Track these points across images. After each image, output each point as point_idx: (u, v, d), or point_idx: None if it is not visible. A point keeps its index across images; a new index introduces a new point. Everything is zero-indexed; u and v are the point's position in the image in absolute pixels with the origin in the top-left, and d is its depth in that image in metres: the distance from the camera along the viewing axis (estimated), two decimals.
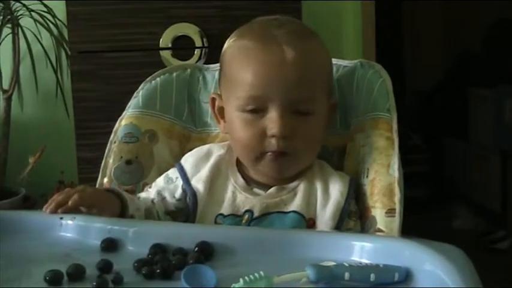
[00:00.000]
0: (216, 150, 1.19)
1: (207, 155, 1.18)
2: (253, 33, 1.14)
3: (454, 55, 4.84)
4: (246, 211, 1.11)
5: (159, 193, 1.16)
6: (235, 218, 1.10)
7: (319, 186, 1.14)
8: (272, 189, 1.13)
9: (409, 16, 5.16)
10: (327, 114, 1.16)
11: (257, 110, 1.09)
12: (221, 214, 1.12)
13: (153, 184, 1.19)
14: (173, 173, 1.19)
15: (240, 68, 1.12)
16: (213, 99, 1.21)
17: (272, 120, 1.08)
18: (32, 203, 2.49)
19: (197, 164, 1.17)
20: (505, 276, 3.10)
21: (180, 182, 1.16)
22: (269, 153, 1.09)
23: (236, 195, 1.13)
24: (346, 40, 2.70)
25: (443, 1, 5.04)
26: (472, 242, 3.54)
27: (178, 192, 1.16)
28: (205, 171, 1.16)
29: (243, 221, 1.10)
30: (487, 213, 3.92)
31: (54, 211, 1.02)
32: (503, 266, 3.25)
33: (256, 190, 1.14)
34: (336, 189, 1.13)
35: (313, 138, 1.12)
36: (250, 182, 1.15)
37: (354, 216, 1.14)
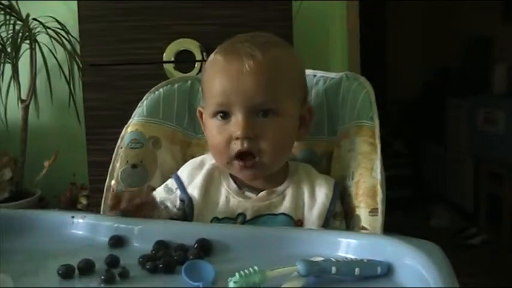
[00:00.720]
0: (209, 160, 1.18)
1: (201, 164, 1.18)
2: (221, 48, 1.13)
3: (433, 68, 4.86)
4: (239, 214, 1.10)
5: (162, 203, 1.15)
6: (229, 221, 1.09)
7: (306, 189, 1.13)
8: (262, 193, 1.12)
9: (392, 32, 5.19)
10: (299, 117, 1.14)
11: (225, 116, 1.09)
12: (216, 217, 1.11)
13: (155, 193, 1.17)
14: (172, 183, 1.17)
15: (209, 79, 1.13)
16: (200, 112, 1.21)
17: (236, 124, 1.07)
18: (46, 203, 2.49)
19: (192, 173, 1.16)
20: (477, 269, 3.10)
21: (178, 192, 1.15)
22: (236, 156, 1.08)
23: (229, 199, 1.11)
24: (333, 54, 2.71)
25: (424, 20, 5.07)
26: (448, 238, 3.55)
27: (178, 202, 1.15)
28: (199, 178, 1.15)
29: (237, 223, 1.09)
30: (461, 212, 3.93)
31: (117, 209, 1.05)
32: (476, 260, 3.26)
33: (247, 194, 1.12)
34: (322, 192, 1.12)
35: (279, 138, 1.09)
36: (241, 186, 1.14)
37: (339, 217, 1.13)
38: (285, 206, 1.11)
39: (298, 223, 1.10)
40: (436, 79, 4.76)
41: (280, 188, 1.13)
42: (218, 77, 1.09)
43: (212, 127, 1.11)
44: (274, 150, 1.08)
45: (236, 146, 1.07)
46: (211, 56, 1.14)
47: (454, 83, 4.44)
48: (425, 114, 4.67)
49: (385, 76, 5.15)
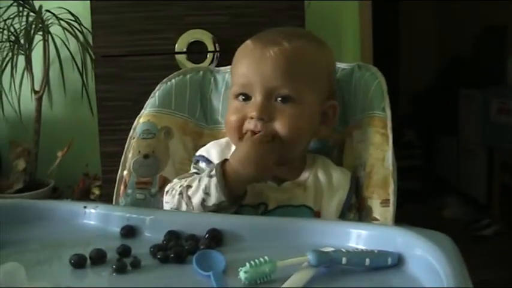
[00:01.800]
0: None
1: (227, 146, 1.17)
2: (253, 37, 1.17)
3: (445, 58, 4.83)
4: (261, 203, 1.10)
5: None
6: (250, 209, 1.09)
7: (324, 181, 1.13)
8: (285, 184, 1.13)
9: (405, 22, 5.15)
10: (320, 112, 1.15)
11: (246, 98, 1.11)
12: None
13: (185, 176, 1.15)
14: (202, 166, 1.16)
15: (235, 63, 1.16)
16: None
17: (253, 105, 1.09)
18: (59, 193, 2.51)
19: (222, 155, 1.15)
20: (489, 260, 3.09)
21: None
22: (248, 133, 1.09)
23: (254, 186, 1.10)
24: (345, 44, 2.70)
25: (437, 10, 5.03)
26: (460, 229, 3.54)
27: None
28: None
29: (258, 213, 1.09)
30: (474, 203, 3.91)
31: None
32: (488, 251, 3.24)
33: (269, 183, 1.12)
34: (339, 185, 1.13)
35: (294, 125, 1.09)
36: None
37: (354, 209, 1.13)
38: (306, 197, 1.11)
39: (317, 215, 1.11)
40: (449, 69, 4.73)
41: (301, 180, 1.14)
42: (243, 60, 1.13)
43: (231, 107, 1.13)
44: (287, 136, 1.09)
45: (249, 125, 1.09)
46: (244, 43, 1.18)
47: (467, 74, 4.41)
48: (438, 104, 4.64)
49: (397, 67, 5.12)
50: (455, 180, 4.31)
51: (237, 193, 1.05)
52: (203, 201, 1.04)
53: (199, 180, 1.06)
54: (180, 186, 1.08)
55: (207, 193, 1.04)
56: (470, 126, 4.13)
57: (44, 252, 0.91)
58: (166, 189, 1.13)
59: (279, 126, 1.08)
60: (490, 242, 3.38)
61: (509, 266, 3.01)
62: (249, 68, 1.11)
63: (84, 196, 2.47)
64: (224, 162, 1.07)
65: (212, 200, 1.04)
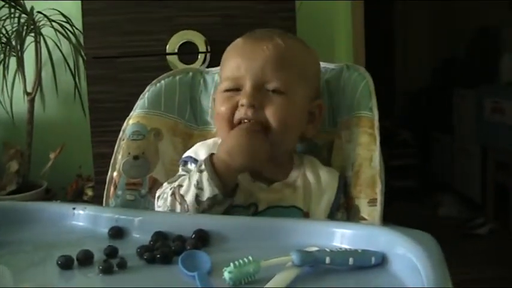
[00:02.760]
0: (219, 141, 1.18)
1: (215, 145, 1.17)
2: (244, 36, 1.19)
3: (440, 58, 4.85)
4: (251, 204, 1.10)
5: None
6: (241, 209, 1.09)
7: (312, 182, 1.14)
8: (275, 185, 1.13)
9: (400, 23, 5.17)
10: (308, 111, 1.16)
11: (235, 89, 1.12)
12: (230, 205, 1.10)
13: (175, 179, 1.14)
14: (191, 167, 1.16)
15: (226, 59, 1.18)
16: (213, 99, 1.23)
17: (243, 93, 1.10)
18: (53, 194, 2.51)
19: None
20: (484, 258, 3.11)
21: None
22: (238, 124, 1.10)
23: (244, 187, 1.11)
24: (338, 44, 2.71)
25: (431, 10, 5.05)
26: (455, 228, 3.55)
27: None
28: None
29: (249, 213, 1.10)
30: (469, 202, 3.93)
31: None
32: (482, 250, 3.26)
33: (258, 183, 1.13)
34: (328, 185, 1.14)
35: (282, 115, 1.10)
36: (252, 174, 1.14)
37: (342, 208, 1.14)
38: (296, 198, 1.12)
39: (306, 215, 1.11)
40: (443, 69, 4.74)
41: (290, 180, 1.14)
42: (234, 55, 1.15)
43: (220, 99, 1.14)
44: (277, 125, 1.09)
45: (240, 114, 1.10)
46: (232, 43, 1.19)
47: (461, 73, 4.43)
48: (432, 104, 4.66)
49: (393, 67, 5.14)
50: (450, 179, 4.32)
51: (229, 184, 1.05)
52: (197, 197, 1.04)
53: (189, 178, 1.06)
54: (171, 188, 1.08)
55: (200, 188, 1.04)
56: (464, 125, 4.14)
57: (31, 255, 0.92)
58: (157, 194, 1.14)
59: (270, 114, 1.09)
60: (485, 240, 3.40)
61: (503, 265, 3.02)
62: (239, 61, 1.12)
63: (78, 197, 2.48)
64: (212, 155, 1.07)
65: (206, 194, 1.03)
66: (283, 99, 1.10)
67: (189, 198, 1.04)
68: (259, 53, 1.11)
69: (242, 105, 1.09)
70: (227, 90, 1.13)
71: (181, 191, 1.06)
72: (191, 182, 1.05)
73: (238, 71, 1.12)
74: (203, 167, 1.05)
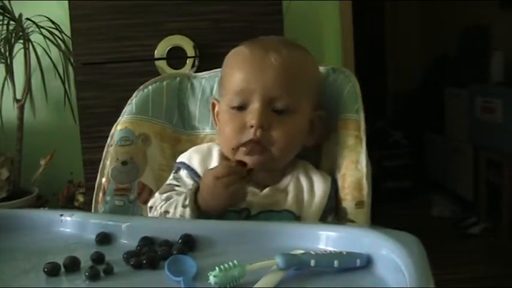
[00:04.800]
0: (215, 148, 1.19)
1: (208, 152, 1.18)
2: (248, 42, 1.16)
3: (431, 58, 4.87)
4: (244, 209, 1.10)
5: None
6: (234, 214, 1.09)
7: (305, 185, 1.14)
8: (267, 190, 1.13)
9: (390, 23, 5.19)
10: (309, 121, 1.15)
11: (241, 107, 1.10)
12: None
13: (166, 190, 1.15)
14: (183, 174, 1.17)
15: (230, 69, 1.15)
16: (213, 104, 1.22)
17: (252, 112, 1.08)
18: (44, 201, 2.51)
19: (204, 162, 1.16)
20: (477, 257, 3.12)
21: (191, 182, 1.15)
22: (246, 145, 1.08)
23: None
24: (326, 45, 2.71)
25: (421, 10, 5.07)
26: (448, 227, 3.57)
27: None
28: (214, 166, 1.14)
29: (241, 218, 1.10)
30: (461, 201, 3.94)
31: None
32: (476, 249, 3.27)
33: (251, 188, 1.12)
34: (320, 189, 1.14)
35: (291, 135, 1.10)
36: (250, 174, 1.12)
37: (332, 211, 1.14)
38: (288, 202, 1.12)
39: (298, 219, 1.12)
40: (434, 69, 4.76)
41: (282, 185, 1.14)
42: (241, 66, 1.12)
43: (226, 114, 1.13)
44: (284, 145, 1.10)
45: (249, 134, 1.08)
46: (235, 49, 1.17)
47: (452, 73, 4.45)
48: (424, 104, 4.68)
49: (384, 68, 5.15)
50: (442, 179, 4.34)
51: (213, 217, 1.05)
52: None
53: (175, 207, 1.07)
54: (160, 209, 1.09)
55: None
56: (456, 125, 4.16)
57: (20, 261, 0.93)
58: (149, 205, 1.15)
59: (277, 135, 1.09)
60: (477, 239, 3.41)
61: (496, 263, 3.03)
62: (247, 73, 1.10)
63: (69, 203, 2.48)
64: (197, 191, 1.06)
65: None
66: (291, 119, 1.10)
67: None
68: (269, 67, 1.09)
69: (251, 127, 1.08)
70: (233, 108, 1.11)
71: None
72: (176, 214, 1.06)
73: (246, 84, 1.09)
74: (187, 202, 1.05)
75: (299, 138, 1.15)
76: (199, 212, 1.04)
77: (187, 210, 1.05)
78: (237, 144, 1.10)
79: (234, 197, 1.05)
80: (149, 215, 1.13)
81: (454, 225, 3.59)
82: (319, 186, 1.14)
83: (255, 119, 1.07)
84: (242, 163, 1.07)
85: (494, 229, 3.45)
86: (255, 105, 1.08)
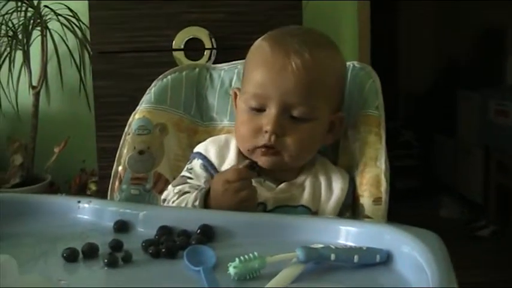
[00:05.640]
0: (232, 139, 1.18)
1: (226, 144, 1.17)
2: (272, 36, 1.14)
3: (444, 60, 4.84)
4: (260, 203, 1.09)
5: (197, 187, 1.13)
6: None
7: (323, 182, 1.14)
8: (283, 185, 1.12)
9: (404, 24, 5.17)
10: (328, 124, 1.13)
11: (258, 109, 1.09)
12: None
13: (179, 182, 1.15)
14: (199, 165, 1.16)
15: (251, 66, 1.13)
16: (235, 93, 1.20)
17: (268, 117, 1.07)
18: (56, 188, 2.52)
19: (220, 153, 1.15)
20: (486, 260, 3.10)
21: (205, 173, 1.14)
22: (261, 148, 1.08)
23: None
24: (343, 43, 2.70)
25: (435, 12, 5.04)
26: (457, 229, 3.55)
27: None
28: (232, 159, 1.14)
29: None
30: (471, 203, 3.92)
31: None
32: (485, 251, 3.25)
33: (268, 183, 1.12)
34: (338, 186, 1.13)
35: (305, 142, 1.09)
36: (261, 174, 1.12)
37: (350, 208, 1.14)
38: (304, 198, 1.11)
39: (315, 215, 1.11)
40: (447, 71, 4.74)
41: (299, 180, 1.14)
42: (261, 66, 1.10)
43: (243, 114, 1.12)
44: (297, 152, 1.09)
45: (263, 139, 1.08)
46: (258, 41, 1.15)
47: (465, 75, 4.43)
48: (436, 106, 4.66)
49: (396, 68, 5.13)
50: (452, 181, 4.32)
51: None
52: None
53: (186, 203, 1.07)
54: (172, 204, 1.09)
55: None
56: (468, 127, 4.14)
57: (37, 247, 0.93)
58: (162, 197, 1.15)
59: (291, 142, 1.08)
60: (487, 242, 3.39)
61: (505, 267, 3.02)
62: (266, 77, 1.08)
63: (81, 191, 2.48)
64: (208, 193, 1.05)
65: None
66: (308, 126, 1.09)
67: None
68: (289, 73, 1.06)
69: (266, 132, 1.07)
70: (250, 108, 1.10)
71: None
72: None
73: (264, 88, 1.08)
74: (197, 203, 1.05)
75: (315, 142, 1.13)
76: None
77: None
78: (252, 146, 1.10)
79: (244, 202, 1.03)
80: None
81: (462, 227, 3.58)
82: (337, 183, 1.13)
83: (270, 125, 1.06)
84: (252, 165, 1.07)
85: (504, 232, 3.44)
86: (271, 111, 1.07)
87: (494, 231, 3.47)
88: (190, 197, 1.08)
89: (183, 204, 1.08)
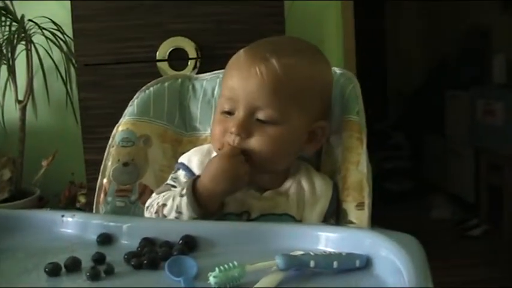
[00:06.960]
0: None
1: (208, 153, 1.18)
2: (251, 45, 1.16)
3: (432, 60, 4.87)
4: (244, 212, 1.10)
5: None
6: (234, 217, 1.09)
7: (306, 189, 1.14)
8: (267, 193, 1.13)
9: (392, 24, 5.19)
10: (308, 132, 1.13)
11: (229, 112, 1.11)
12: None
13: (163, 189, 1.16)
14: (181, 175, 1.17)
15: (227, 72, 1.15)
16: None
17: (234, 120, 1.09)
18: (46, 202, 2.52)
19: (203, 162, 1.15)
20: (478, 260, 3.12)
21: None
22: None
23: (237, 195, 1.11)
24: (328, 46, 2.70)
25: (422, 12, 5.07)
26: (448, 229, 3.57)
27: None
28: None
29: (242, 221, 1.09)
30: (462, 203, 3.94)
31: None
32: (477, 251, 3.27)
33: (252, 191, 1.12)
34: (322, 193, 1.14)
35: (272, 147, 1.09)
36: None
37: (333, 214, 1.14)
38: (288, 206, 1.12)
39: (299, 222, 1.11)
40: (435, 71, 4.77)
41: (283, 188, 1.14)
42: (232, 72, 1.13)
43: (218, 116, 1.14)
44: (265, 155, 1.08)
45: (229, 139, 1.09)
46: (238, 51, 1.16)
47: (453, 75, 4.45)
48: (425, 106, 4.68)
49: (384, 69, 5.16)
50: (443, 181, 4.34)
51: (210, 209, 1.06)
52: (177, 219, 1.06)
53: (173, 199, 1.08)
54: (157, 204, 1.10)
55: (179, 212, 1.05)
56: (457, 127, 4.16)
57: (22, 261, 0.93)
58: (146, 204, 1.15)
59: (255, 144, 1.08)
60: (478, 242, 3.41)
61: (496, 266, 3.03)
62: (236, 82, 1.10)
63: (71, 204, 2.48)
64: (196, 180, 1.07)
65: (184, 218, 1.05)
66: (276, 130, 1.09)
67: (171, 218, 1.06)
68: (253, 77, 1.08)
69: (231, 133, 1.09)
70: (222, 111, 1.12)
71: (165, 211, 1.07)
72: (173, 205, 1.07)
73: (233, 92, 1.10)
74: (184, 191, 1.06)
75: (287, 147, 1.12)
76: (196, 201, 1.05)
77: (184, 199, 1.05)
78: (221, 146, 1.11)
79: (237, 178, 1.06)
80: (145, 214, 1.13)
81: (454, 227, 3.59)
82: (321, 190, 1.14)
83: (234, 127, 1.08)
84: None
85: (495, 231, 3.45)
86: (239, 113, 1.09)
87: (486, 230, 3.49)
88: (178, 189, 1.09)
89: (169, 200, 1.08)
